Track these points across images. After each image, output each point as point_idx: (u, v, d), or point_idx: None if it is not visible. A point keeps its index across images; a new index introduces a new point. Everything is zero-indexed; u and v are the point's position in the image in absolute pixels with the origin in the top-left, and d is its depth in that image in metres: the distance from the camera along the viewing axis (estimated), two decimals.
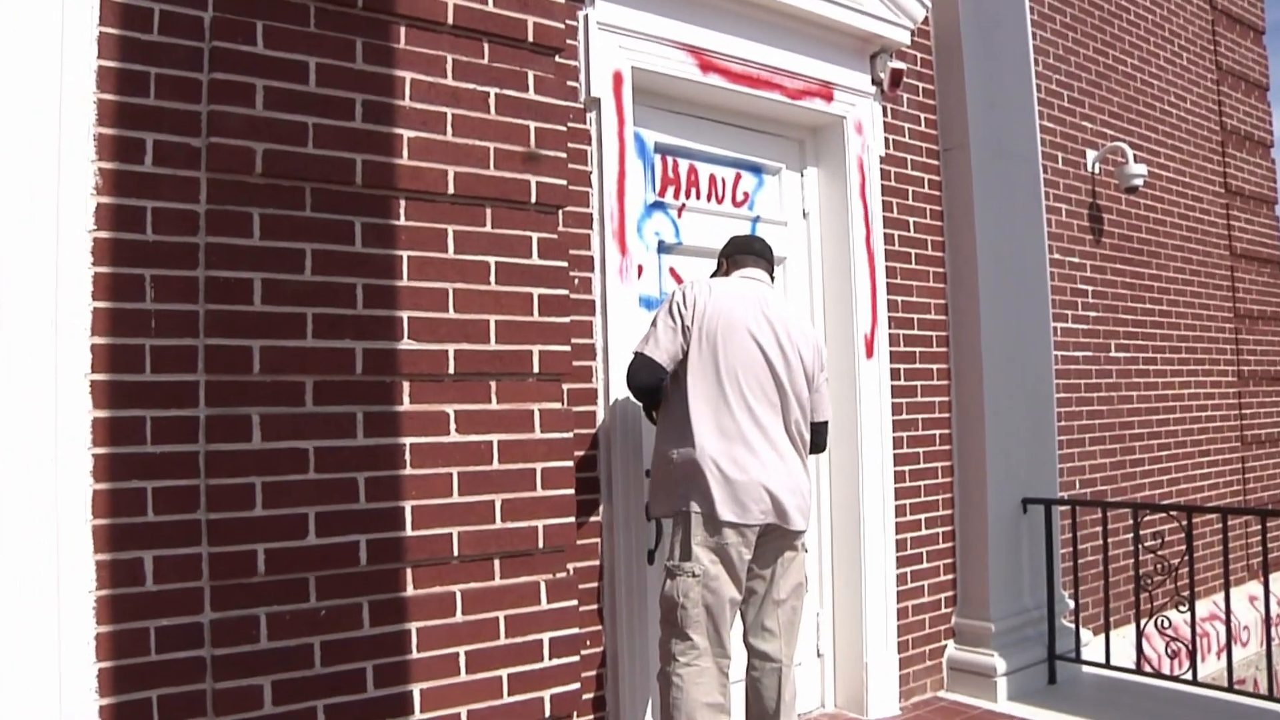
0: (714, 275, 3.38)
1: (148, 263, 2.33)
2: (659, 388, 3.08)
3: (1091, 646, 4.56)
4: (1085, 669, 4.54)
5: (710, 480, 2.96)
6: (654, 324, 3.08)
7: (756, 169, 4.20)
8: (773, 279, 3.37)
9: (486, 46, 2.80)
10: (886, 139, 4.40)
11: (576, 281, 3.27)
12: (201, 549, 2.35)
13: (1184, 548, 4.23)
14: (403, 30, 2.67)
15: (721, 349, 3.03)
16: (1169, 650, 4.37)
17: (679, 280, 3.86)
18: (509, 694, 2.71)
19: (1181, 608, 4.25)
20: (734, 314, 3.08)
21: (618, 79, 3.50)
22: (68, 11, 2.25)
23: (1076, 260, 5.40)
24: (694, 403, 3.02)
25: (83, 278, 2.26)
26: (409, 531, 2.58)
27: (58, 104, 2.24)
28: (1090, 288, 5.48)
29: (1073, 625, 4.58)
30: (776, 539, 3.11)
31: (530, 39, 2.87)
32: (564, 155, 2.91)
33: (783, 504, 3.04)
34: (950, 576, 4.53)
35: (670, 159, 3.90)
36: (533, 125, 2.84)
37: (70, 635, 2.20)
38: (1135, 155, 5.50)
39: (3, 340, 2.17)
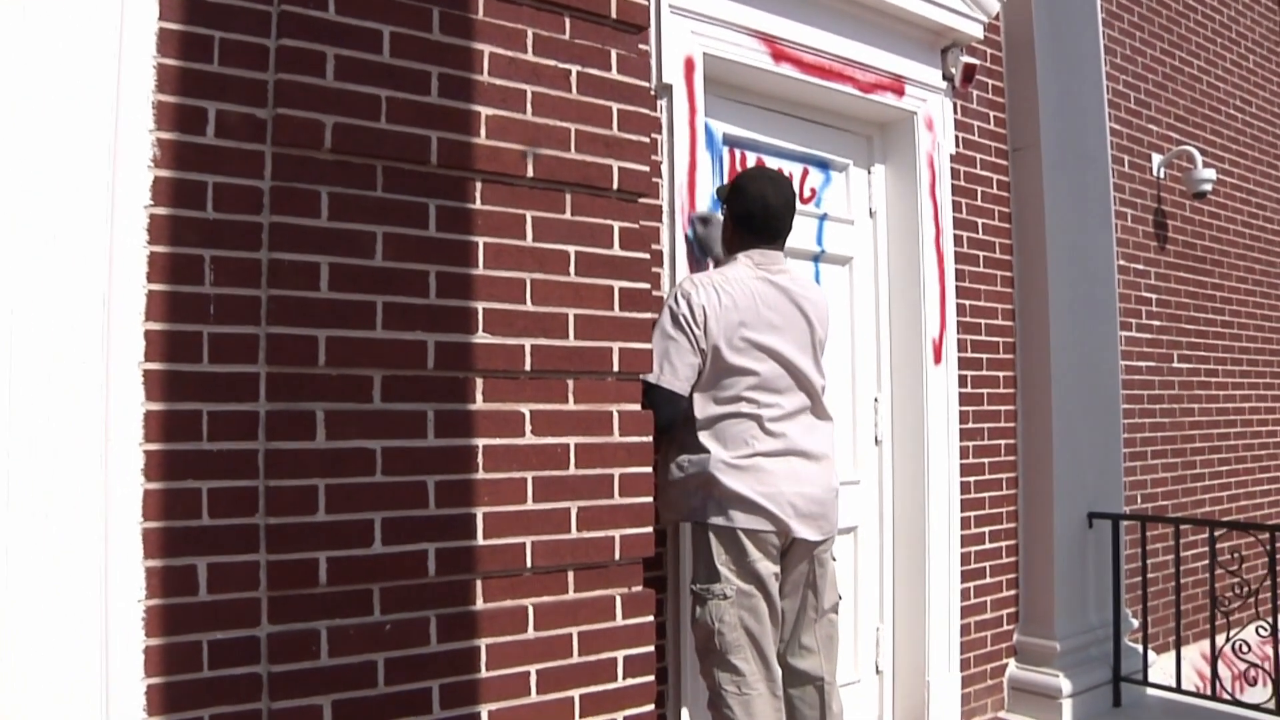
0: (719, 233, 3.17)
1: (207, 243, 2.12)
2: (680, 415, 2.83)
3: (1157, 668, 4.36)
4: (1151, 692, 4.35)
5: (724, 491, 2.76)
6: (664, 343, 2.77)
7: (824, 165, 4.01)
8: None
9: (568, 21, 2.60)
10: (956, 137, 4.21)
11: None
12: (259, 556, 2.15)
13: (1257, 565, 4.04)
14: (481, 0, 2.48)
15: (736, 356, 2.80)
16: (1248, 677, 4.16)
17: None
18: (580, 716, 2.50)
19: (1262, 630, 4.05)
20: (746, 315, 2.82)
21: (689, 65, 3.31)
22: None
23: (1140, 268, 5.20)
24: (707, 408, 2.81)
25: (138, 257, 2.05)
26: (480, 540, 2.38)
27: (116, 66, 2.04)
28: (1154, 296, 5.27)
29: (1138, 646, 4.39)
30: (804, 550, 2.88)
31: (614, 15, 2.66)
32: (647, 140, 2.71)
33: (806, 514, 2.82)
34: (1013, 592, 4.34)
35: (739, 152, 3.71)
36: (615, 107, 2.63)
37: (117, 648, 2.00)
38: (1203, 160, 5.30)
39: (52, 324, 1.98)
